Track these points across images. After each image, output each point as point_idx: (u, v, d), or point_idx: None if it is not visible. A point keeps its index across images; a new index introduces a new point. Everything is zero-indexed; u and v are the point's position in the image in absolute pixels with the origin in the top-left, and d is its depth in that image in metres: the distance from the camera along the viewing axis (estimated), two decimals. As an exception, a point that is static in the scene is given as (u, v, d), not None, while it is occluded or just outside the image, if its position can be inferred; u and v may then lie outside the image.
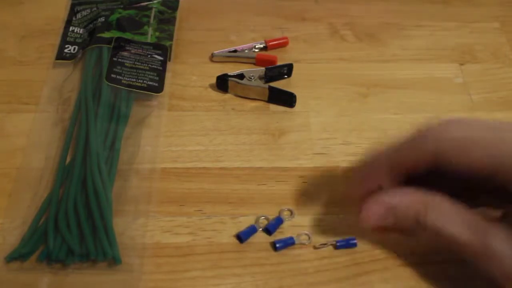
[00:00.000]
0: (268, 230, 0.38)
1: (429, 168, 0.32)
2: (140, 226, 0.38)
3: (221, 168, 0.41)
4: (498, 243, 0.30)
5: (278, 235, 0.38)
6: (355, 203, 0.36)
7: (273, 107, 0.46)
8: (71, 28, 0.50)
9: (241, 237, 0.37)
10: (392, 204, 0.33)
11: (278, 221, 0.38)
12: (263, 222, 0.38)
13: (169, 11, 0.52)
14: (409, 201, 0.33)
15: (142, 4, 0.52)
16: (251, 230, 0.37)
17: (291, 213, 0.39)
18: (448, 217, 0.31)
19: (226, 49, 0.49)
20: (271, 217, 0.38)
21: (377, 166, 0.34)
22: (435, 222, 0.32)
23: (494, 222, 0.31)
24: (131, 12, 0.51)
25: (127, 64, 0.46)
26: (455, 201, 0.32)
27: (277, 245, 0.37)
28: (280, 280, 0.36)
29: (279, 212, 0.39)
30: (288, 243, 0.37)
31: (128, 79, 0.45)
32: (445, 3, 0.56)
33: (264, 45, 0.50)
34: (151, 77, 0.45)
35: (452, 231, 0.31)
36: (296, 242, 0.37)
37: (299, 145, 0.43)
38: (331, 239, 0.37)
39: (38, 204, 0.38)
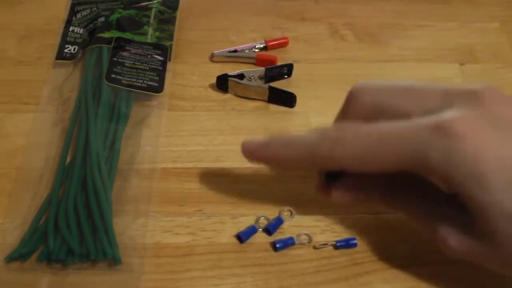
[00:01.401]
0: (268, 230, 0.38)
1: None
2: (140, 226, 0.38)
3: (221, 168, 0.41)
4: (444, 227, 0.31)
5: (278, 235, 0.38)
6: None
7: (273, 107, 0.46)
8: (71, 28, 0.50)
9: (241, 237, 0.37)
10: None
11: (278, 221, 0.38)
12: (263, 222, 0.38)
13: (169, 11, 0.52)
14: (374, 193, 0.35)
15: (142, 4, 0.52)
16: (251, 230, 0.37)
17: (291, 213, 0.39)
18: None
19: (226, 49, 0.49)
20: (271, 217, 0.38)
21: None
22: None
23: (446, 207, 0.32)
24: (131, 12, 0.51)
25: (127, 64, 0.46)
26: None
27: (277, 245, 0.37)
28: (280, 280, 0.36)
29: (279, 212, 0.39)
30: (288, 243, 0.37)
31: (128, 79, 0.45)
32: (446, 3, 0.56)
33: (264, 45, 0.50)
34: (151, 77, 0.45)
35: (410, 213, 0.34)
36: (296, 242, 0.37)
37: (299, 145, 0.43)
38: (331, 239, 0.37)
39: (38, 204, 0.38)
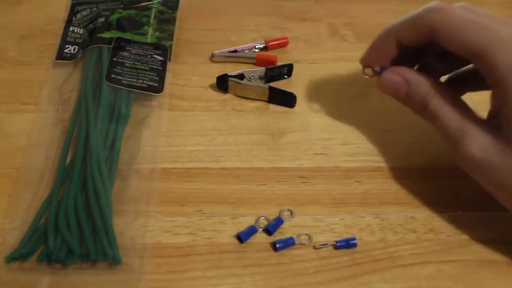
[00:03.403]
0: (268, 231, 0.38)
1: (425, 42, 0.37)
2: (140, 226, 0.38)
3: (221, 168, 0.41)
4: (475, 137, 0.35)
5: (278, 235, 0.38)
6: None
7: (273, 107, 0.46)
8: (71, 28, 0.50)
9: (241, 237, 0.37)
10: (409, 78, 0.39)
11: (278, 221, 0.38)
12: (263, 222, 0.38)
13: (169, 11, 0.52)
14: (423, 81, 0.38)
15: (142, 4, 0.52)
16: (251, 231, 0.37)
17: (291, 213, 0.39)
18: (446, 107, 0.37)
19: (226, 49, 0.49)
20: (271, 218, 0.38)
21: (386, 36, 0.40)
22: (436, 107, 0.37)
23: (480, 121, 0.36)
24: (131, 12, 0.51)
25: (127, 64, 0.46)
26: (457, 96, 0.38)
27: (277, 245, 0.37)
28: (280, 280, 0.36)
29: (279, 213, 0.39)
30: (288, 243, 0.37)
31: (128, 79, 0.45)
32: (445, 3, 0.55)
33: (264, 45, 0.50)
34: (151, 77, 0.45)
35: (444, 118, 0.37)
36: (296, 242, 0.37)
37: (299, 145, 0.43)
38: (331, 239, 0.37)
39: (38, 204, 0.38)
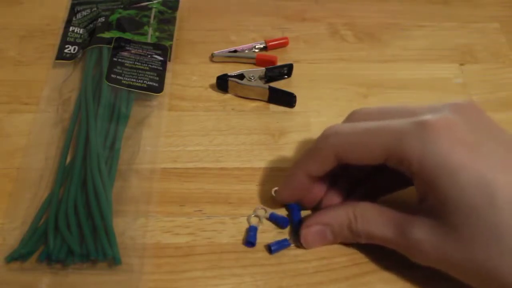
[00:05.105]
0: (251, 243, 0.37)
1: (334, 167, 0.35)
2: (140, 226, 0.38)
3: (221, 168, 0.41)
4: (416, 232, 0.33)
5: (278, 236, 0.38)
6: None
7: (273, 107, 0.46)
8: (71, 28, 0.50)
9: (271, 247, 0.37)
10: (326, 220, 0.37)
11: (252, 229, 0.37)
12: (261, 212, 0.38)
13: (169, 11, 0.52)
14: (340, 215, 0.36)
15: (142, 4, 0.52)
16: (251, 230, 0.37)
17: (265, 211, 0.39)
18: (373, 221, 0.35)
19: (226, 49, 0.49)
20: (268, 210, 0.39)
21: (297, 179, 0.37)
22: (365, 228, 0.35)
23: (412, 214, 0.33)
24: (131, 12, 0.51)
25: (127, 64, 0.46)
26: (377, 204, 0.35)
27: (272, 248, 0.37)
28: (280, 280, 0.36)
29: (248, 218, 0.39)
30: (284, 245, 0.37)
31: (128, 79, 0.45)
32: (445, 3, 0.56)
33: (264, 45, 0.50)
34: (151, 77, 0.45)
35: (379, 232, 0.34)
36: (292, 243, 0.37)
37: (299, 145, 0.43)
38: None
39: (38, 204, 0.38)
